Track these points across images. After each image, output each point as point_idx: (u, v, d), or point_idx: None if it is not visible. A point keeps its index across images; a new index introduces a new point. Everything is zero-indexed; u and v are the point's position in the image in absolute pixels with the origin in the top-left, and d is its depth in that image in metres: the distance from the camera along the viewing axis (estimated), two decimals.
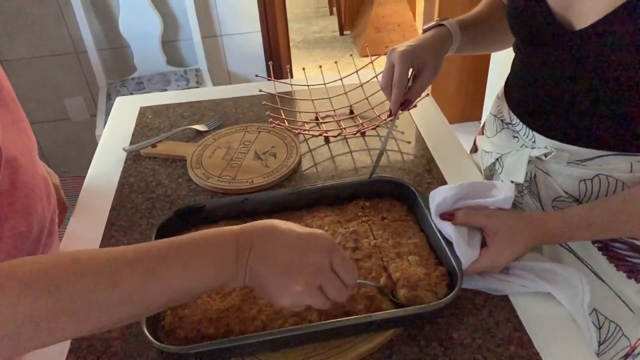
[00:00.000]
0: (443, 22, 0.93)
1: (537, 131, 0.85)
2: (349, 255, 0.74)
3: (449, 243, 0.74)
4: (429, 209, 0.79)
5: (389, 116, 0.91)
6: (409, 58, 0.86)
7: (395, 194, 0.87)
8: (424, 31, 0.94)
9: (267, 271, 0.57)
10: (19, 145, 0.66)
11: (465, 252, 0.72)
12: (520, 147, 0.90)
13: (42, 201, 0.69)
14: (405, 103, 0.90)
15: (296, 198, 0.86)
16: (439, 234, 0.76)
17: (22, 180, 0.65)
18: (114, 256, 0.52)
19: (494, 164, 0.97)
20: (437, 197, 0.77)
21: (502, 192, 0.76)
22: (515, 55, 0.91)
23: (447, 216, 0.76)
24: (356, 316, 0.67)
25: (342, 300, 0.61)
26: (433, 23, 0.94)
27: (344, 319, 0.66)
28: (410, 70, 0.89)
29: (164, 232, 0.79)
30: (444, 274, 0.73)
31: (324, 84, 1.23)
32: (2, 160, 0.60)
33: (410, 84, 0.90)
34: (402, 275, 0.72)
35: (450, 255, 0.72)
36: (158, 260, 0.53)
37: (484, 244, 0.75)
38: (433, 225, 0.77)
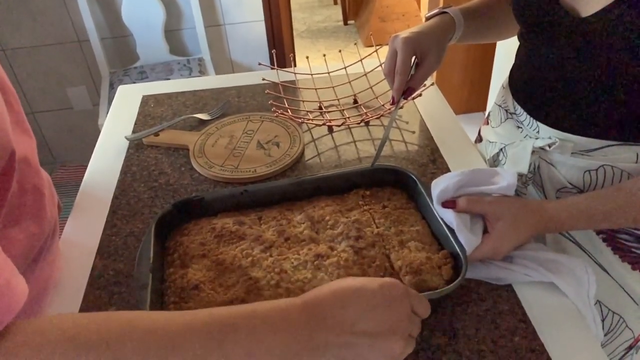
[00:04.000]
0: (446, 10, 0.92)
1: (541, 121, 0.85)
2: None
3: (452, 230, 0.73)
4: (430, 196, 0.78)
5: (392, 104, 0.90)
6: (411, 45, 0.85)
7: (396, 183, 0.86)
8: (427, 19, 0.94)
9: (360, 341, 0.51)
10: (25, 146, 0.66)
11: (467, 238, 0.72)
12: (524, 137, 0.89)
13: (49, 201, 0.70)
14: (408, 91, 0.90)
15: (296, 188, 0.85)
16: (441, 221, 0.75)
17: (30, 182, 0.65)
18: (172, 320, 0.48)
19: (498, 154, 0.96)
20: (439, 185, 0.76)
21: (505, 179, 0.76)
22: (519, 45, 0.90)
23: (449, 204, 0.75)
24: None
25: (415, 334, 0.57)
26: (436, 11, 0.93)
27: None
28: (413, 58, 0.88)
29: (163, 224, 0.78)
30: (446, 256, 0.72)
31: (328, 73, 1.22)
32: (15, 162, 0.60)
33: (413, 71, 0.89)
34: (404, 263, 0.71)
35: (453, 241, 0.72)
36: (222, 331, 0.48)
37: (485, 232, 0.75)
38: (435, 212, 0.77)
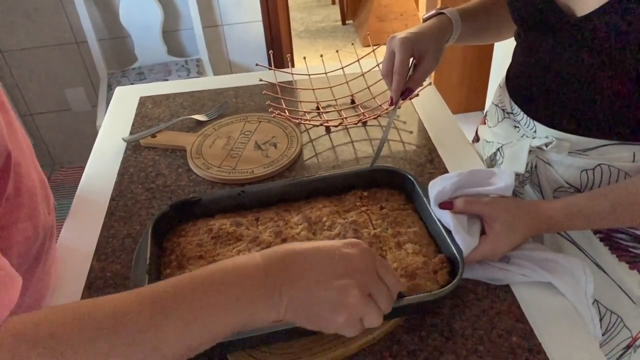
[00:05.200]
0: (443, 11, 0.92)
1: (538, 120, 0.85)
2: None
3: (449, 231, 0.73)
4: (427, 197, 0.78)
5: (390, 105, 0.90)
6: (409, 45, 0.85)
7: (393, 183, 0.86)
8: (424, 20, 0.94)
9: (310, 291, 0.51)
10: (15, 147, 0.66)
11: (465, 239, 0.72)
12: (521, 137, 0.89)
13: (42, 205, 0.69)
14: (406, 92, 0.90)
15: (293, 189, 0.85)
16: (438, 223, 0.75)
17: (25, 184, 0.65)
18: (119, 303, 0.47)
19: (495, 153, 0.96)
20: (437, 186, 0.76)
21: (503, 180, 0.76)
22: (516, 44, 0.90)
23: (446, 205, 0.75)
24: None
25: (387, 311, 0.55)
26: (433, 12, 0.93)
27: None
28: (411, 58, 0.88)
29: (160, 226, 0.78)
30: (443, 261, 0.72)
31: (325, 74, 1.22)
32: (12, 164, 0.60)
33: (410, 72, 0.89)
34: (400, 265, 0.71)
35: (450, 243, 0.72)
36: (171, 300, 0.48)
37: (483, 233, 0.75)
38: (432, 213, 0.77)
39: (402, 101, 0.92)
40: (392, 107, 0.91)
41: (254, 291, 0.50)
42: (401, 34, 0.87)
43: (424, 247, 0.75)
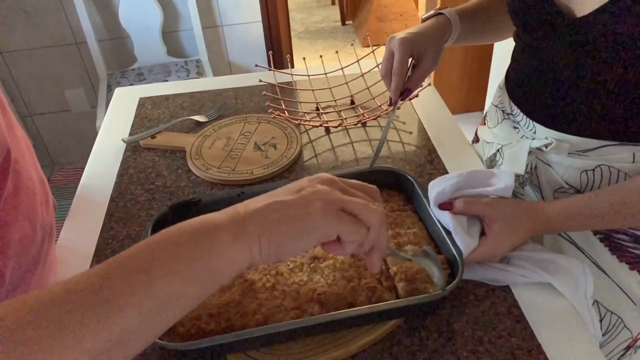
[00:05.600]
0: (442, 11, 0.92)
1: (537, 121, 0.84)
2: None
3: (449, 232, 0.73)
4: (427, 198, 0.78)
5: (389, 105, 0.90)
6: (408, 45, 0.85)
7: (393, 184, 0.86)
8: (423, 20, 0.93)
9: (275, 211, 0.49)
10: (16, 147, 0.66)
11: (464, 240, 0.72)
12: (521, 138, 0.89)
13: (42, 205, 0.69)
14: (406, 92, 0.89)
15: None
16: (438, 224, 0.75)
17: (25, 184, 0.65)
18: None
19: (495, 154, 0.96)
20: (436, 187, 0.76)
21: (502, 181, 0.75)
22: (515, 45, 0.90)
23: (446, 205, 0.75)
24: (358, 308, 0.66)
25: (378, 221, 0.53)
26: (432, 12, 0.93)
27: (345, 310, 0.66)
28: (410, 59, 0.88)
29: (159, 226, 0.78)
30: (442, 262, 0.72)
31: (325, 74, 1.22)
32: (11, 161, 0.60)
33: (410, 73, 0.89)
34: (399, 269, 0.71)
35: (450, 244, 0.72)
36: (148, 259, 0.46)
37: (483, 234, 0.75)
38: (432, 214, 0.77)
39: (401, 102, 0.92)
40: (391, 107, 0.91)
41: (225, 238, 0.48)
42: (400, 35, 0.87)
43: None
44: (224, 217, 0.49)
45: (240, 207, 0.51)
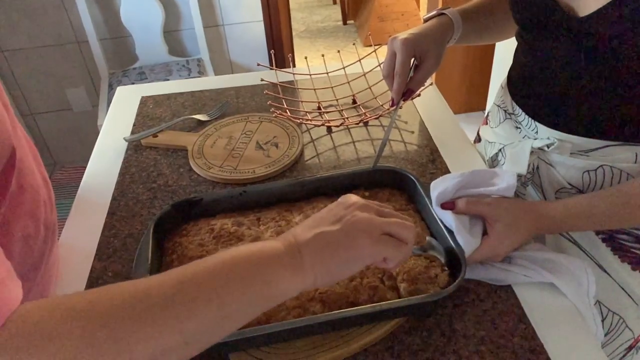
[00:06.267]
0: (444, 12, 0.92)
1: (539, 121, 0.84)
2: None
3: (451, 232, 0.73)
4: (429, 197, 0.78)
5: (392, 106, 0.90)
6: (411, 46, 0.85)
7: (395, 184, 0.86)
8: (425, 20, 0.93)
9: (326, 244, 0.54)
10: (19, 146, 0.66)
11: (467, 240, 0.72)
12: (523, 138, 0.89)
13: (45, 204, 0.70)
14: (408, 92, 0.89)
15: (295, 189, 0.85)
16: (440, 223, 0.75)
17: (29, 182, 0.65)
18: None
19: (497, 154, 0.96)
20: (438, 187, 0.76)
21: (505, 181, 0.75)
22: (517, 44, 0.90)
23: (448, 205, 0.75)
24: (360, 307, 0.66)
25: (414, 236, 0.59)
26: (434, 12, 0.93)
27: (347, 309, 0.65)
28: (412, 59, 0.87)
29: (162, 225, 0.78)
30: (443, 265, 0.72)
31: (327, 73, 1.22)
32: (16, 160, 0.60)
33: (411, 73, 0.89)
34: (402, 270, 0.71)
35: (452, 243, 0.72)
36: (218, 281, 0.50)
37: (485, 233, 0.75)
38: (434, 214, 0.77)
39: (403, 102, 0.92)
40: (394, 108, 0.91)
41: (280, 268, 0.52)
42: (402, 35, 0.87)
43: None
44: (281, 246, 0.54)
45: (291, 237, 0.55)
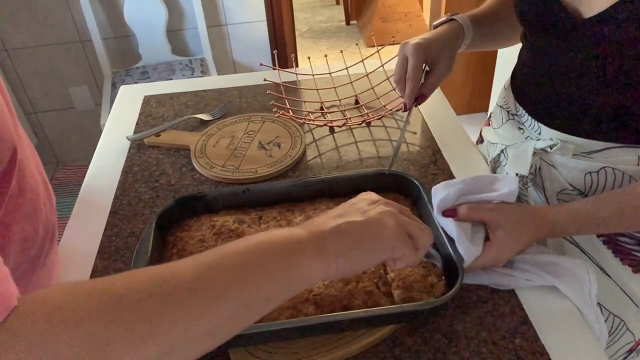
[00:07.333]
0: (454, 17, 0.92)
1: (542, 122, 0.84)
2: None
3: (451, 240, 0.72)
4: (432, 203, 0.78)
5: (404, 111, 0.90)
6: (422, 51, 0.85)
7: (399, 188, 0.86)
8: (435, 26, 0.93)
9: (349, 232, 0.55)
10: (20, 147, 0.66)
11: (468, 249, 0.71)
12: (526, 138, 0.88)
13: (45, 206, 0.69)
14: (420, 97, 0.89)
15: (298, 189, 0.85)
16: (441, 230, 0.75)
17: (29, 184, 0.65)
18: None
19: (499, 155, 0.96)
20: (440, 194, 0.75)
21: (506, 186, 0.75)
22: (522, 46, 0.90)
23: (449, 212, 0.74)
24: (352, 311, 0.66)
25: (429, 243, 0.61)
26: (444, 18, 0.93)
27: (339, 313, 0.65)
28: (424, 64, 0.87)
29: (164, 220, 0.79)
30: (440, 274, 0.72)
31: (329, 74, 1.22)
32: (17, 161, 0.60)
33: (422, 79, 0.89)
34: (397, 276, 0.70)
35: (452, 252, 0.71)
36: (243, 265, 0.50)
37: (487, 239, 0.74)
38: (436, 221, 0.76)
39: (415, 106, 0.91)
40: (407, 112, 0.90)
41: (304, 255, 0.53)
42: (414, 40, 0.86)
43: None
44: (305, 233, 0.54)
45: (314, 226, 0.56)
